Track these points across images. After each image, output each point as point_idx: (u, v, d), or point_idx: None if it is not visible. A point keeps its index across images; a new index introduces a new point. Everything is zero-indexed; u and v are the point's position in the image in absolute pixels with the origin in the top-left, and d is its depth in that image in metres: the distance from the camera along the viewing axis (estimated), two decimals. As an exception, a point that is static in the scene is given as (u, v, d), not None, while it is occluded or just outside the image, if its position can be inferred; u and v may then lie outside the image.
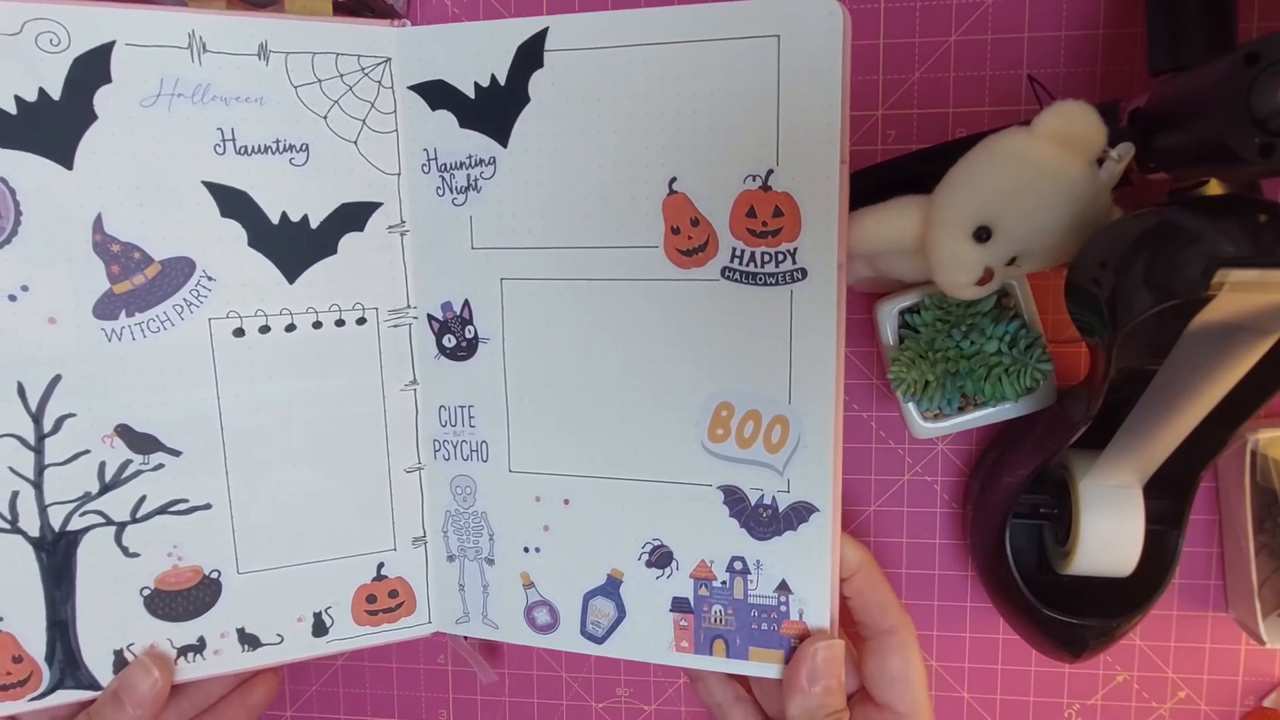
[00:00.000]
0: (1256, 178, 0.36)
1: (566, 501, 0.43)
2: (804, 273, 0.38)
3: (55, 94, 0.37)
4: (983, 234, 0.35)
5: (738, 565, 0.41)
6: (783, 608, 0.41)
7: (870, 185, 0.45)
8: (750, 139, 0.38)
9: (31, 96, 0.36)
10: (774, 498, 0.40)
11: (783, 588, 0.41)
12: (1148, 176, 0.36)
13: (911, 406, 0.42)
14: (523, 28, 0.39)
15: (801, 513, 0.40)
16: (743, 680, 0.44)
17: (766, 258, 0.38)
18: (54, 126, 0.37)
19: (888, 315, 0.42)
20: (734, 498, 0.41)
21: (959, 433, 0.48)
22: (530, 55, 0.40)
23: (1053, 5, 0.44)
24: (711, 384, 0.40)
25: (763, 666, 0.42)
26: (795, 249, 0.38)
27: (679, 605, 0.42)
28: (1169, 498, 0.42)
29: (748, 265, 0.39)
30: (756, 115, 0.37)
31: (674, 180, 0.39)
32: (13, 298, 0.37)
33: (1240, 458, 0.44)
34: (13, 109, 0.36)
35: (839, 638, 0.40)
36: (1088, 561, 0.41)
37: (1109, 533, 0.40)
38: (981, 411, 0.42)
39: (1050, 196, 0.34)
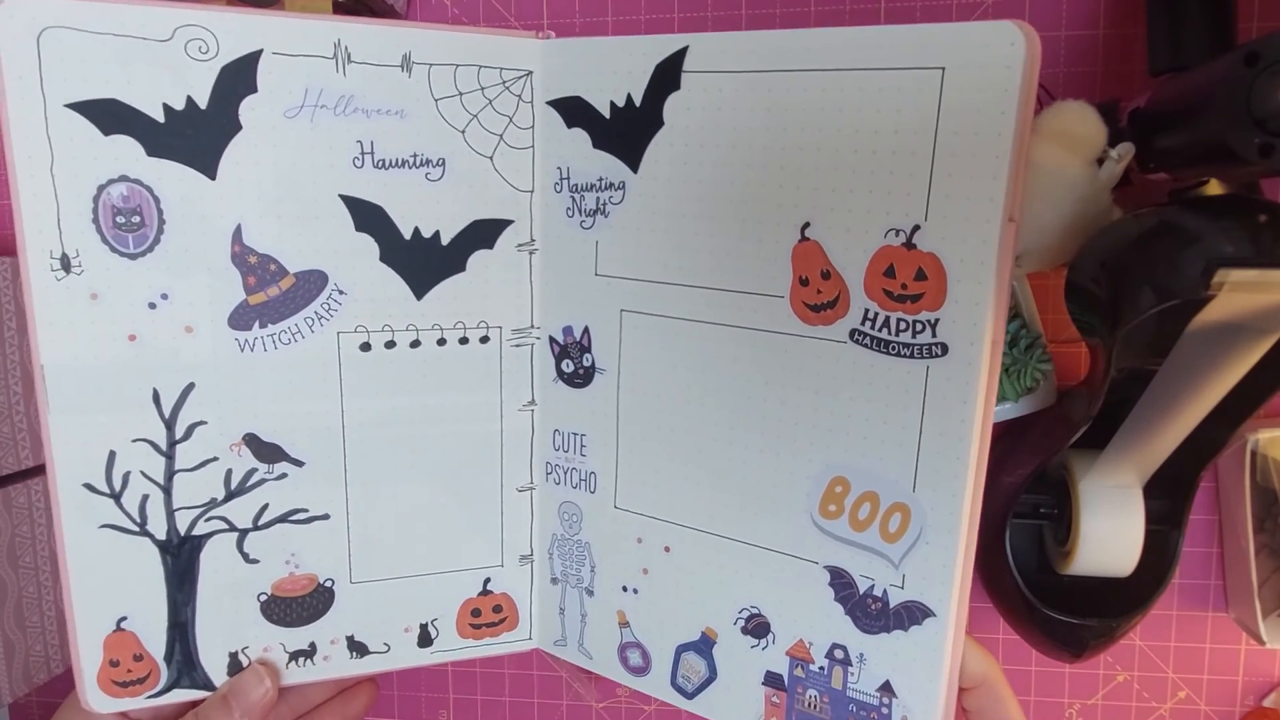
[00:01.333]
0: (1256, 178, 0.36)
1: (667, 549, 0.42)
2: (944, 348, 0.33)
3: (203, 103, 0.36)
4: None
5: (838, 654, 0.38)
6: (885, 710, 0.37)
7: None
8: (897, 187, 0.33)
9: (180, 105, 0.36)
10: (885, 590, 0.36)
11: (886, 689, 0.37)
12: (1148, 176, 0.36)
13: (911, 406, 0.42)
14: (662, 46, 0.37)
15: (915, 614, 0.36)
16: None
17: (903, 325, 0.34)
18: (200, 136, 0.37)
19: (888, 315, 0.42)
20: (841, 581, 0.37)
21: (959, 433, 0.48)
22: (668, 76, 0.37)
23: (1053, 5, 0.44)
24: (828, 454, 0.37)
25: None
26: (937, 320, 0.33)
27: (772, 680, 0.40)
28: (1169, 498, 0.42)
29: (881, 331, 0.34)
30: (907, 160, 0.33)
31: (807, 226, 0.35)
32: (153, 305, 0.38)
33: (1240, 458, 0.44)
34: (161, 117, 0.36)
35: None
36: (1088, 561, 0.41)
37: (1109, 533, 0.40)
38: (981, 411, 0.42)
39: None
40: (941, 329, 0.33)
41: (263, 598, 0.42)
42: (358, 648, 0.43)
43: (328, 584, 0.42)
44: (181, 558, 0.40)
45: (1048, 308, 0.43)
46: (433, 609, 0.44)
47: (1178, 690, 0.49)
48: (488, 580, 0.44)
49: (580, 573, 0.44)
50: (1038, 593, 0.42)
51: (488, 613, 0.45)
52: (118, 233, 0.37)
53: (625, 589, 0.43)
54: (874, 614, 0.37)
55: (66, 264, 0.36)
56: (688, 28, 0.47)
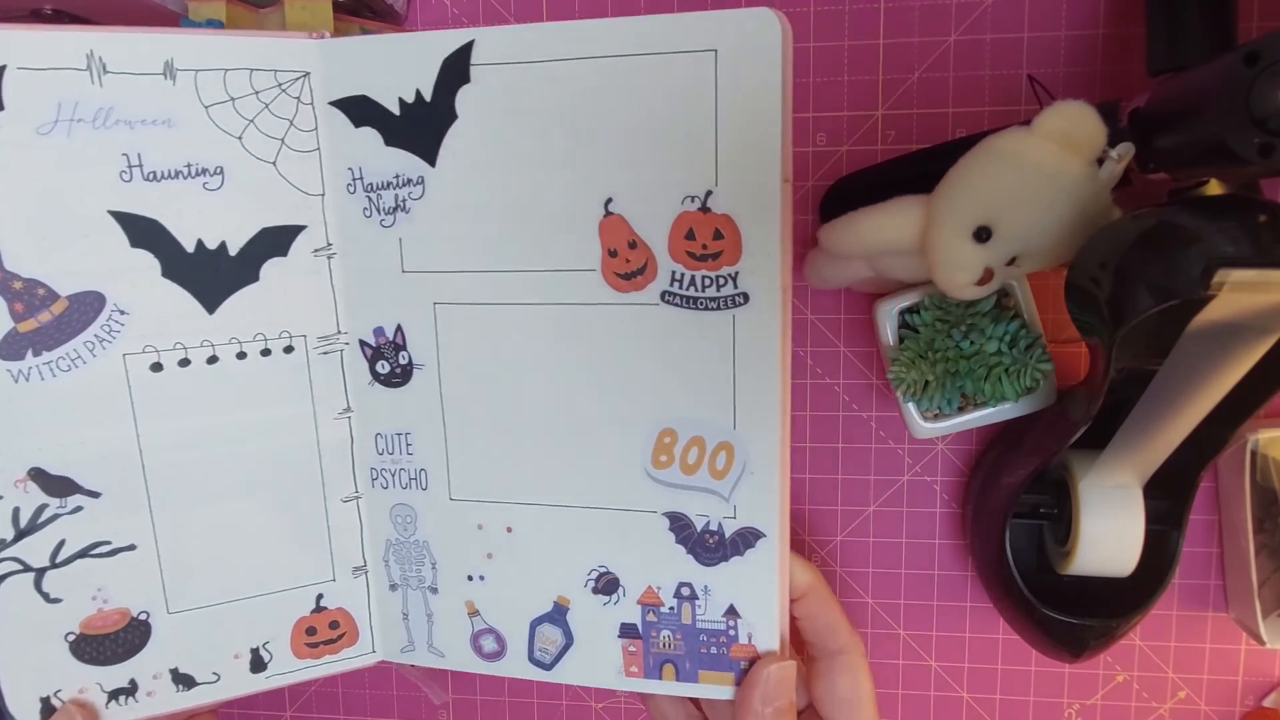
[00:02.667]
0: (1256, 178, 0.36)
1: (509, 529, 0.42)
2: (745, 297, 0.37)
3: None
4: (983, 234, 0.35)
5: (685, 591, 0.41)
6: (731, 632, 0.41)
7: (870, 185, 0.45)
8: (688, 159, 0.36)
9: None
10: (720, 524, 0.40)
11: (731, 612, 0.40)
12: (1148, 176, 0.36)
13: (911, 406, 0.42)
14: (447, 40, 0.38)
15: (748, 538, 0.39)
16: (695, 700, 0.44)
17: (707, 281, 0.37)
18: None
19: (887, 315, 0.42)
20: (680, 524, 0.40)
21: (959, 433, 0.48)
22: (456, 70, 0.38)
23: (1053, 5, 0.44)
24: (654, 410, 0.39)
25: (713, 689, 0.41)
26: (736, 273, 0.37)
27: (627, 631, 0.42)
28: (1169, 498, 0.42)
29: (688, 289, 0.37)
30: (694, 134, 0.36)
31: (610, 201, 0.38)
32: None
33: (1240, 458, 0.44)
34: None
35: (790, 659, 0.40)
36: (1088, 561, 0.41)
37: (1109, 533, 0.40)
38: (981, 411, 0.42)
39: (1050, 196, 0.34)
40: (741, 280, 0.36)
41: (71, 637, 0.40)
42: (184, 680, 0.42)
43: (142, 617, 0.40)
44: None
45: (1048, 308, 0.43)
46: (263, 632, 0.42)
47: (1178, 690, 0.49)
48: (320, 596, 0.43)
49: (421, 573, 0.44)
50: (1038, 593, 0.42)
51: (324, 630, 0.44)
52: None
53: (471, 578, 0.43)
54: (712, 547, 0.40)
55: None
56: (687, 27, 0.47)
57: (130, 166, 0.37)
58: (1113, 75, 0.44)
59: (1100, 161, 0.35)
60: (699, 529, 0.40)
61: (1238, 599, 0.46)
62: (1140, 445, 0.38)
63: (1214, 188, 0.36)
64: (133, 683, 0.41)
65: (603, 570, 0.41)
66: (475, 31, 0.37)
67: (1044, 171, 0.34)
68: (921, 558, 0.50)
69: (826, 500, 0.50)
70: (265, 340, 0.40)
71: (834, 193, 0.46)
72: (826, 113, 0.47)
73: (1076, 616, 0.41)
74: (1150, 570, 0.41)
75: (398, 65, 0.38)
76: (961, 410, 0.42)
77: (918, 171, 0.41)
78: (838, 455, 0.49)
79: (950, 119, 0.46)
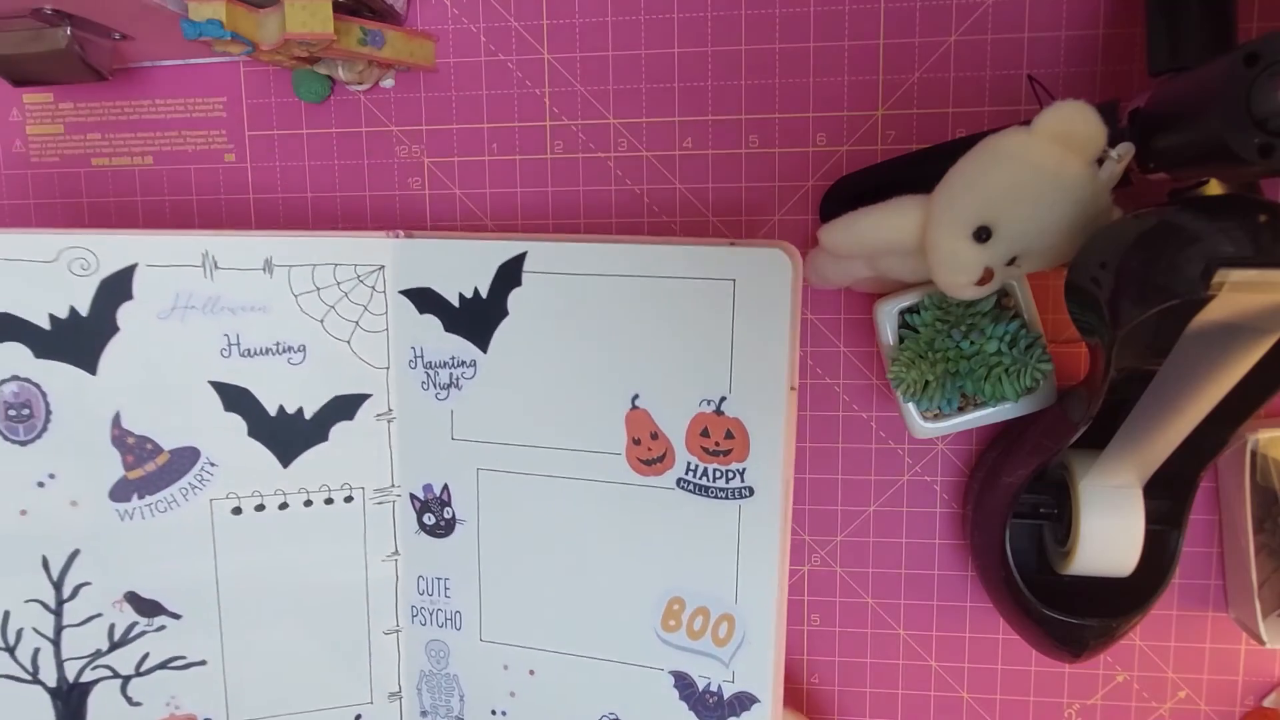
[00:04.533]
0: (1256, 178, 0.36)
1: (532, 672, 0.47)
2: (751, 490, 0.42)
3: (84, 311, 0.42)
4: (983, 234, 0.35)
5: None
6: None
7: (870, 185, 0.45)
8: (706, 367, 0.42)
9: (63, 314, 0.42)
10: (720, 686, 0.44)
11: None
12: (1148, 176, 0.36)
13: (911, 406, 0.42)
14: (504, 250, 0.44)
15: (745, 701, 0.44)
16: None
17: (718, 474, 0.43)
18: (82, 339, 0.43)
19: (888, 315, 0.42)
20: (684, 683, 0.45)
21: (959, 433, 0.48)
22: (510, 274, 0.44)
23: (1053, 5, 0.44)
24: (666, 580, 0.44)
25: None
26: (744, 469, 0.42)
27: None
28: (1169, 498, 0.42)
29: (701, 479, 0.43)
30: (712, 347, 0.42)
31: (636, 397, 0.43)
32: (41, 484, 0.43)
33: (1240, 458, 0.43)
34: (47, 325, 0.42)
35: None
36: (1088, 561, 0.41)
37: (1109, 533, 0.40)
38: (981, 411, 0.42)
39: (1050, 196, 0.34)
40: (748, 475, 0.42)
41: None
42: None
43: None
44: (71, 703, 0.45)
45: (1048, 308, 0.43)
46: None
47: (1178, 690, 0.49)
48: (359, 716, 0.48)
49: (450, 703, 0.48)
50: (1038, 593, 0.42)
51: None
52: (9, 424, 0.43)
53: (494, 712, 0.48)
54: (711, 706, 0.45)
55: None
56: (687, 27, 0.47)
57: (230, 345, 0.44)
58: (1113, 75, 0.44)
59: (1100, 161, 0.35)
60: (700, 689, 0.45)
61: (1238, 599, 0.46)
62: (1140, 445, 0.38)
63: (1214, 188, 0.36)
64: None
65: (613, 716, 0.46)
66: (529, 244, 0.44)
67: (1044, 172, 0.34)
68: (921, 558, 0.50)
69: (826, 500, 0.50)
70: (329, 491, 0.46)
71: (834, 193, 0.46)
72: (826, 113, 0.47)
73: (1076, 616, 0.41)
74: (1150, 570, 0.41)
75: (461, 265, 0.45)
76: (961, 410, 0.42)
77: (918, 172, 0.40)
78: (838, 455, 0.49)
79: (950, 119, 0.46)
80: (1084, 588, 0.43)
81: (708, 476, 0.43)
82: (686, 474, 0.43)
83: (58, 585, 0.44)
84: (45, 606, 0.44)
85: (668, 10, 0.47)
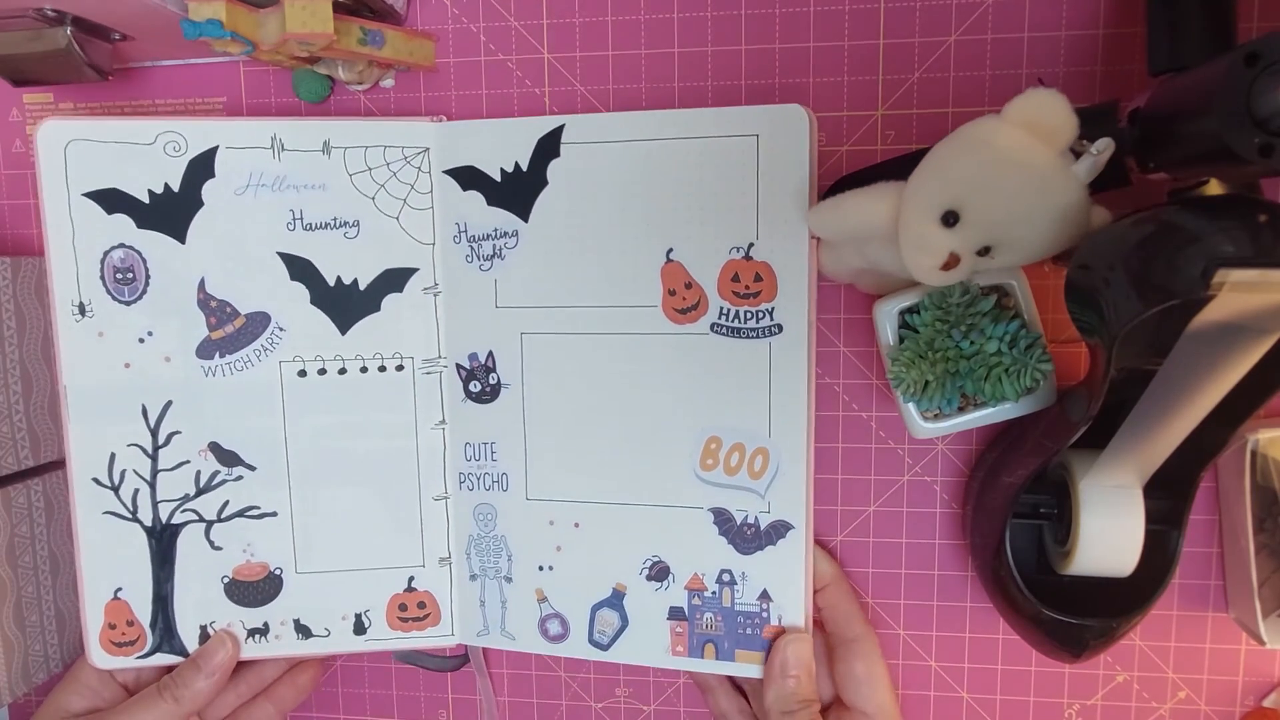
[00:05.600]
0: (1256, 178, 0.36)
1: (577, 525, 0.49)
2: (780, 328, 0.45)
3: (176, 187, 0.47)
4: (950, 219, 0.35)
5: (725, 577, 0.47)
6: (764, 614, 0.47)
7: (869, 185, 0.45)
8: (735, 218, 0.45)
9: (159, 190, 0.47)
10: (756, 518, 0.47)
11: (764, 596, 0.47)
12: (1148, 176, 0.36)
13: (911, 406, 0.42)
14: (542, 125, 0.47)
15: (781, 530, 0.46)
16: (743, 693, 0.50)
17: (749, 315, 0.46)
18: (174, 212, 0.47)
19: (887, 315, 0.42)
20: (723, 518, 0.47)
21: (959, 433, 0.48)
22: (549, 147, 0.47)
23: (1053, 5, 0.44)
24: (702, 421, 0.47)
25: (747, 667, 0.47)
26: (773, 308, 0.45)
27: (675, 614, 0.48)
28: (1169, 498, 0.42)
29: (733, 322, 0.46)
30: (740, 199, 0.45)
31: (671, 251, 0.46)
32: (141, 340, 0.48)
33: (1240, 458, 0.43)
34: (146, 199, 0.47)
35: (808, 634, 0.46)
36: (1088, 561, 0.41)
37: (1109, 533, 0.40)
38: (981, 411, 0.42)
39: (1017, 184, 0.34)
40: (777, 314, 0.45)
41: (225, 580, 0.50)
42: (303, 630, 0.51)
43: (277, 572, 0.50)
44: (163, 541, 0.50)
45: (1048, 308, 0.43)
46: (365, 601, 0.51)
47: (1178, 690, 0.49)
48: (412, 579, 0.51)
49: (498, 564, 0.51)
50: (1038, 593, 0.42)
51: (413, 608, 0.51)
52: (117, 286, 0.48)
53: (541, 568, 0.50)
54: (749, 538, 0.47)
55: (82, 310, 0.48)
56: (687, 27, 0.47)
57: (294, 219, 0.48)
58: (1113, 75, 0.44)
59: (1077, 155, 0.35)
60: (739, 522, 0.47)
61: (1238, 599, 0.46)
62: (1140, 445, 0.38)
63: (1214, 188, 0.35)
64: (266, 625, 0.51)
65: (656, 560, 0.48)
66: (566, 118, 0.47)
67: (1011, 158, 0.34)
68: (921, 558, 0.50)
69: (826, 500, 0.50)
70: (382, 359, 0.50)
71: (834, 192, 0.46)
72: (826, 113, 0.47)
73: (1076, 616, 0.41)
74: (1150, 570, 0.41)
75: (501, 142, 0.47)
76: (961, 410, 0.42)
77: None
78: (838, 455, 0.49)
79: (950, 119, 0.46)
80: (1084, 588, 0.43)
81: (739, 319, 0.46)
82: (720, 318, 0.46)
83: (154, 432, 0.49)
84: (144, 451, 0.49)
85: (668, 10, 0.47)
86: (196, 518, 0.49)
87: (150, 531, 0.49)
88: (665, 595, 0.48)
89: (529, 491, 0.50)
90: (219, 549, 0.50)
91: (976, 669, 0.50)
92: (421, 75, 0.50)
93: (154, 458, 0.49)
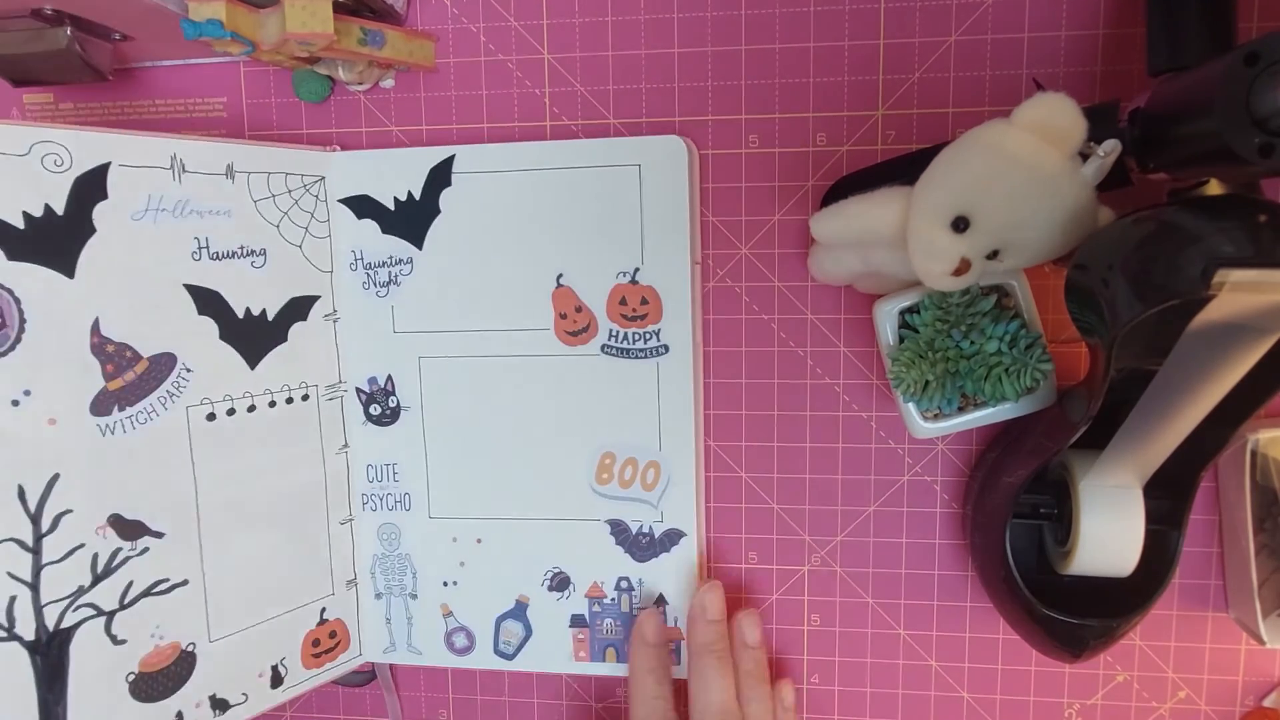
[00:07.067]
0: (1256, 178, 0.36)
1: (479, 540, 0.51)
2: (666, 348, 0.48)
3: (59, 209, 0.39)
4: (960, 224, 0.35)
5: (624, 584, 0.50)
6: (661, 617, 0.49)
7: (870, 185, 0.45)
8: (621, 244, 0.47)
9: (38, 212, 0.39)
10: (651, 527, 0.49)
11: (660, 600, 0.50)
12: (1148, 176, 0.36)
13: (911, 406, 0.42)
14: (434, 155, 0.48)
15: (674, 537, 0.49)
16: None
17: (637, 336, 0.48)
18: (58, 239, 0.39)
19: (887, 315, 0.42)
20: (619, 529, 0.50)
21: (959, 433, 0.48)
22: (441, 176, 0.48)
23: (1053, 5, 0.44)
24: (597, 437, 0.49)
25: None
26: (659, 330, 0.47)
27: (577, 621, 0.51)
28: (1169, 498, 0.42)
29: (622, 343, 0.48)
30: (625, 225, 0.47)
31: (561, 276, 0.48)
32: (15, 403, 0.38)
33: (1240, 458, 0.43)
34: (20, 224, 0.38)
35: (716, 582, 0.49)
36: (1088, 561, 0.41)
37: (1109, 533, 0.40)
38: (981, 411, 0.42)
39: (1027, 188, 0.34)
40: (663, 335, 0.48)
41: (130, 678, 0.42)
42: (220, 704, 0.46)
43: (189, 649, 0.45)
44: (51, 655, 0.40)
45: (1048, 308, 0.43)
46: (280, 649, 0.49)
47: (1178, 690, 0.49)
48: (324, 610, 0.50)
49: (403, 581, 0.52)
50: (1038, 593, 0.42)
51: (325, 640, 0.50)
52: None
53: (446, 584, 0.52)
54: (645, 546, 0.49)
55: None
56: (686, 27, 0.47)
57: (200, 248, 0.44)
58: (1113, 75, 0.44)
59: (1084, 157, 0.35)
60: (634, 532, 0.50)
61: (1238, 599, 0.46)
62: (1140, 445, 0.38)
63: (1214, 188, 0.35)
64: (179, 715, 0.45)
65: (556, 570, 0.50)
66: (457, 148, 0.48)
67: (1021, 163, 0.34)
68: (921, 558, 0.50)
69: (826, 500, 0.50)
70: (289, 390, 0.48)
71: (834, 193, 0.46)
72: (826, 113, 0.47)
73: (1076, 616, 0.41)
74: (1150, 570, 0.41)
75: (395, 172, 0.48)
76: (961, 410, 0.42)
77: (917, 171, 0.40)
78: (838, 455, 0.49)
79: (950, 119, 0.46)
80: (1084, 588, 0.43)
81: (628, 340, 0.48)
82: (609, 340, 0.48)
83: (35, 518, 0.39)
84: (21, 545, 0.39)
85: (668, 10, 0.47)
86: (94, 612, 0.41)
87: (33, 648, 0.39)
88: (567, 604, 0.50)
89: (431, 510, 0.51)
90: (122, 643, 0.42)
91: (976, 669, 0.50)
92: (421, 75, 0.50)
93: (36, 550, 0.39)
